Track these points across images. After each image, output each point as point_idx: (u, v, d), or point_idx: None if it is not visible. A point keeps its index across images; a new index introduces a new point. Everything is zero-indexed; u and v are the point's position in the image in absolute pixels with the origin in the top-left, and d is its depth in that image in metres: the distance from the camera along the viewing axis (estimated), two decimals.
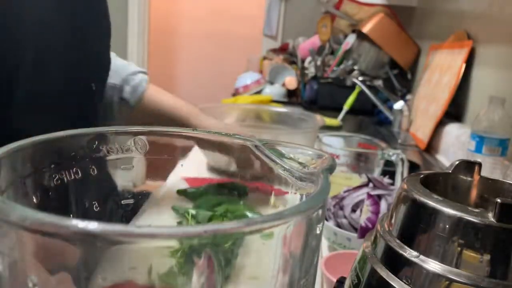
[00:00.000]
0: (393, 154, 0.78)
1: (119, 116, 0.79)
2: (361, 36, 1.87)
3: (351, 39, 1.96)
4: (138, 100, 0.79)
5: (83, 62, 0.60)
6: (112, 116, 0.78)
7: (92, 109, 0.63)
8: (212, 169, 0.55)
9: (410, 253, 0.28)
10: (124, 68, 0.80)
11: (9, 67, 0.51)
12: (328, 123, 1.48)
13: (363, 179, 0.73)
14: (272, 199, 0.37)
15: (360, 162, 0.81)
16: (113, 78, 0.75)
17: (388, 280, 0.28)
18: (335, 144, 0.85)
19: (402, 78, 1.86)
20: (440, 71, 1.38)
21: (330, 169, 0.28)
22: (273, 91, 1.97)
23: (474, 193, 0.34)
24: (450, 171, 0.34)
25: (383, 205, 0.60)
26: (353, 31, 2.01)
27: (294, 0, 2.96)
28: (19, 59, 0.52)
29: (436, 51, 1.51)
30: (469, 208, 0.27)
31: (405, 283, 0.27)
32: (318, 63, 2.04)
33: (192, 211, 0.42)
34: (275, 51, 2.68)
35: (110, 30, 0.67)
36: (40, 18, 0.53)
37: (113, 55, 0.74)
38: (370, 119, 1.69)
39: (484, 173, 0.34)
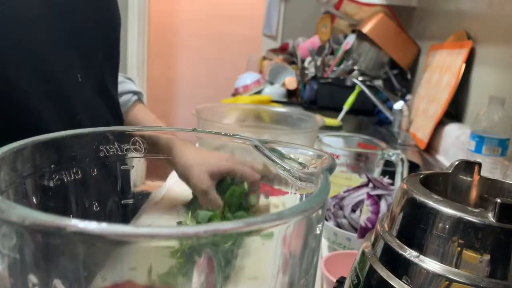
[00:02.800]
0: (393, 154, 0.78)
1: None
2: (361, 36, 1.87)
3: (351, 39, 1.96)
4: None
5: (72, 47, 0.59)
6: None
7: (80, 103, 0.61)
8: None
9: (410, 253, 0.28)
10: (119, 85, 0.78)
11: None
12: (328, 123, 1.48)
13: (363, 179, 0.73)
14: (272, 199, 0.37)
15: (360, 162, 0.81)
16: None
17: (388, 280, 0.28)
18: (335, 144, 0.85)
19: (402, 78, 1.86)
20: (440, 71, 1.38)
21: (330, 169, 0.28)
22: (273, 91, 1.97)
23: (474, 193, 0.34)
24: (450, 171, 0.34)
25: (383, 205, 0.60)
26: (353, 31, 2.01)
27: (294, 0, 2.96)
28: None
29: (436, 51, 1.51)
30: (469, 208, 0.27)
31: (405, 283, 0.27)
32: (318, 63, 2.04)
33: (192, 211, 0.42)
34: (275, 51, 2.68)
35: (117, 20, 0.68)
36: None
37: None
38: (370, 119, 1.70)
39: (484, 173, 0.34)
